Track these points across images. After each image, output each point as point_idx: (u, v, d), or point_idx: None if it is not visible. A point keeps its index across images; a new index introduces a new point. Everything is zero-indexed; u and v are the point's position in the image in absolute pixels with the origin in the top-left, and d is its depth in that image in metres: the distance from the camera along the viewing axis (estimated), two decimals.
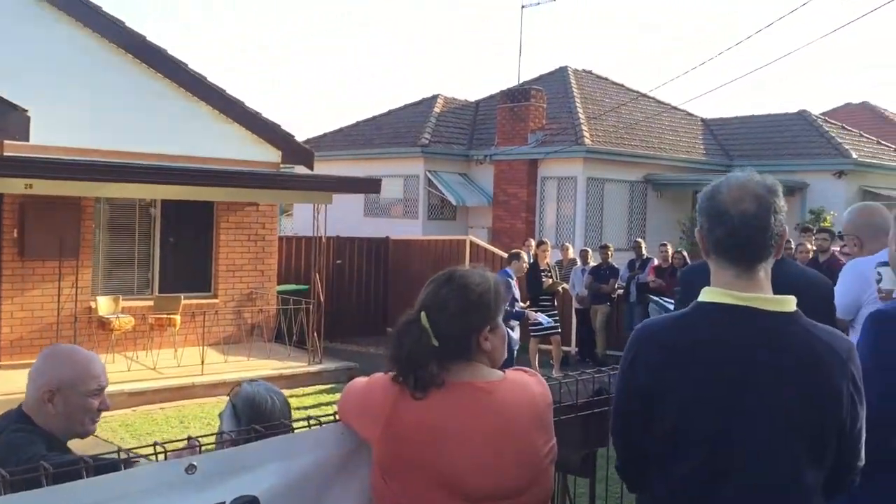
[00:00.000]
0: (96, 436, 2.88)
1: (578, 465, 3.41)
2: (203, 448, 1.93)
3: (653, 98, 20.59)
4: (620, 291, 12.11)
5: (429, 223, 18.42)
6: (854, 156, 18.33)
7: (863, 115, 29.11)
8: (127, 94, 11.59)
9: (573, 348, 12.61)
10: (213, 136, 12.31)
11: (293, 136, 13.29)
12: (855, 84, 65.51)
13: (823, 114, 23.47)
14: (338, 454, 2.02)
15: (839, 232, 6.77)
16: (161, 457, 1.87)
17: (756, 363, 1.81)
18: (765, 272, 1.90)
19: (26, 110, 9.32)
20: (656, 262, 11.78)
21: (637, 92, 21.47)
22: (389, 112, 21.50)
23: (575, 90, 19.60)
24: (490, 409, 1.91)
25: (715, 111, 46.05)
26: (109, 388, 2.64)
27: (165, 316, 11.41)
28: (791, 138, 19.92)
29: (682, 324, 1.93)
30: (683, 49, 75.47)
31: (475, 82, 67.89)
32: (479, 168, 18.73)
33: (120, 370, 10.28)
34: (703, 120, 22.07)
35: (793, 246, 10.09)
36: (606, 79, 22.01)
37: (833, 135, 19.49)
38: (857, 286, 3.44)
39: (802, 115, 20.92)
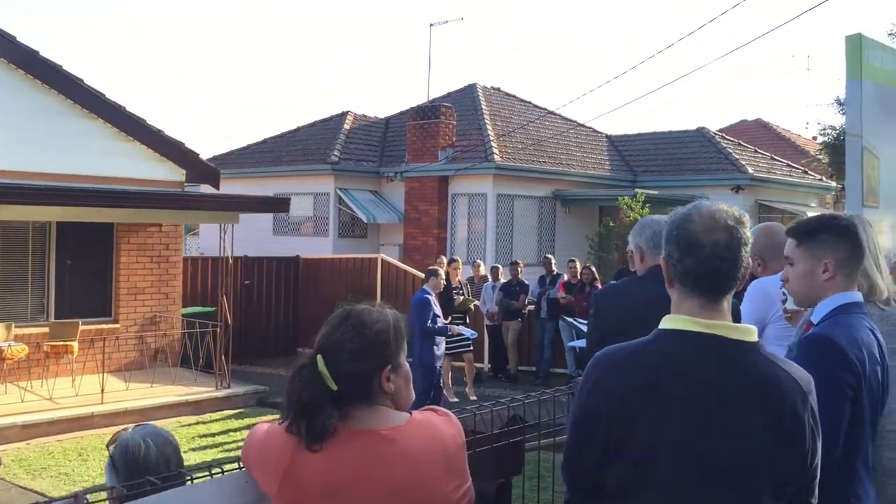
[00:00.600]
0: None
1: (493, 495, 3.38)
2: None
3: (559, 115, 20.96)
4: (531, 307, 12.20)
5: (340, 241, 18.23)
6: (750, 171, 19.06)
7: (757, 131, 30.41)
8: (19, 112, 11.07)
9: (486, 365, 12.63)
10: (112, 154, 11.87)
11: (198, 155, 12.95)
12: (749, 100, 68.40)
13: (720, 130, 24.33)
14: None
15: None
16: None
17: (721, 392, 1.80)
18: (728, 303, 1.90)
19: None
20: (565, 277, 11.92)
21: (545, 109, 21.83)
22: (298, 129, 21.23)
23: (484, 107, 19.78)
24: (393, 460, 1.81)
25: (619, 128, 47.34)
26: (1, 422, 2.43)
27: (62, 343, 10.90)
28: (691, 154, 20.59)
29: (645, 350, 1.89)
30: (589, 67, 77.39)
31: (385, 99, 67.95)
32: (390, 185, 18.66)
33: (13, 402, 9.76)
34: (608, 137, 22.58)
35: None
36: (514, 96, 22.30)
37: (730, 151, 20.24)
38: (761, 305, 3.50)
39: (701, 132, 21.65)
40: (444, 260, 14.56)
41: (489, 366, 12.66)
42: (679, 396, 1.80)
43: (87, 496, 1.83)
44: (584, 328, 3.69)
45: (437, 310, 8.87)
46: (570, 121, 21.59)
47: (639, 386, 1.83)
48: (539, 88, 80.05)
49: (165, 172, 12.42)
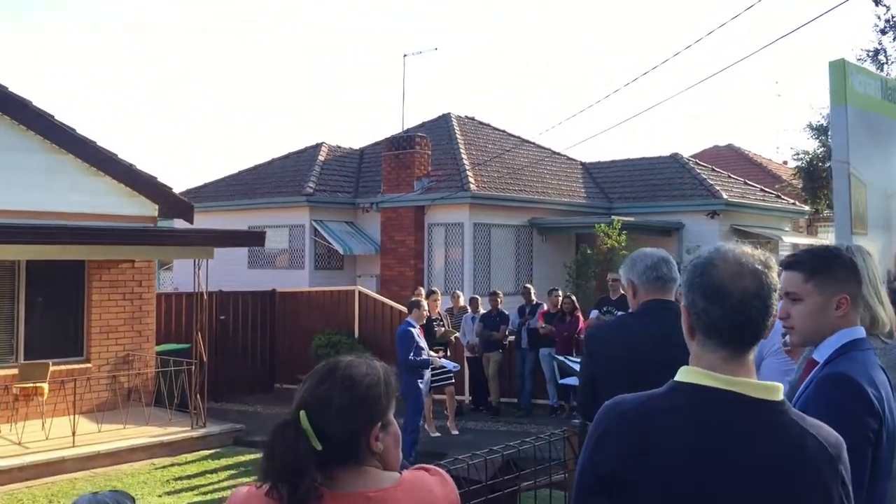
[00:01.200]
0: None
1: None
2: None
3: (534, 143, 21.00)
4: (512, 338, 12.07)
5: (316, 273, 18.02)
6: (725, 196, 19.16)
7: (729, 157, 30.69)
8: None
9: (466, 397, 12.46)
10: (82, 190, 11.65)
11: (170, 189, 12.75)
12: (720, 126, 69.31)
13: (693, 155, 24.53)
14: None
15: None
16: None
17: (737, 456, 1.65)
18: (753, 356, 1.75)
19: None
20: (545, 307, 11.82)
21: (519, 137, 21.88)
22: (273, 161, 21.08)
23: (459, 136, 19.77)
24: None
25: (594, 155, 47.71)
26: None
27: (32, 385, 10.60)
28: (666, 180, 20.68)
29: (657, 406, 1.74)
30: (562, 95, 78.11)
31: (359, 130, 68.00)
32: (366, 216, 18.53)
33: None
34: (582, 164, 22.65)
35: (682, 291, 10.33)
36: (488, 125, 22.34)
37: (704, 176, 20.36)
38: None
39: (675, 158, 21.77)
40: (423, 291, 14.44)
41: (470, 398, 12.48)
42: (689, 459, 1.66)
43: None
44: (576, 366, 3.57)
45: (422, 342, 8.73)
46: (545, 149, 21.64)
47: (645, 444, 1.69)
48: (513, 117, 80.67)
49: (137, 207, 12.21)
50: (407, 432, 8.30)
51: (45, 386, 10.66)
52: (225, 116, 78.31)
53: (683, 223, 19.21)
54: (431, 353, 9.10)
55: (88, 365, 11.73)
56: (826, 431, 1.71)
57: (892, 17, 14.02)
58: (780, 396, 1.71)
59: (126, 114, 76.90)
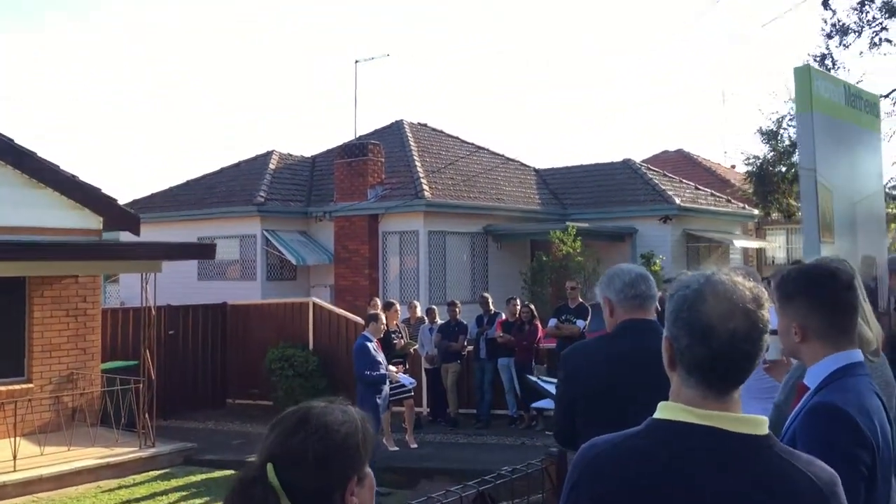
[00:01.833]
0: None
1: None
2: None
3: (488, 150, 20.93)
4: (470, 348, 11.91)
5: (268, 284, 17.67)
6: (677, 201, 19.29)
7: (678, 161, 31.00)
8: None
9: (424, 409, 12.26)
10: (22, 203, 11.18)
11: (115, 200, 12.33)
12: (668, 131, 70.24)
13: (644, 160, 24.68)
14: None
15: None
16: None
17: (717, 496, 1.51)
18: (738, 393, 1.61)
19: None
20: (503, 316, 11.69)
21: (472, 144, 21.80)
22: (222, 170, 20.64)
23: (412, 143, 19.60)
24: None
25: (547, 162, 47.97)
26: None
27: None
28: (619, 186, 20.76)
29: (631, 448, 1.60)
30: (515, 101, 78.40)
31: (310, 138, 67.22)
32: (319, 225, 18.24)
33: None
34: (536, 170, 22.64)
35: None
36: (442, 131, 22.21)
37: (657, 182, 20.49)
38: None
39: (627, 164, 21.89)
40: (378, 302, 14.23)
41: (428, 410, 12.29)
42: (664, 502, 1.53)
43: None
44: (548, 387, 3.41)
45: (380, 356, 8.51)
46: (499, 155, 21.59)
47: (622, 490, 1.56)
48: (466, 124, 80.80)
49: (81, 220, 11.77)
50: None
51: None
52: (170, 125, 77.00)
53: (637, 228, 19.29)
54: (390, 367, 8.89)
55: (30, 385, 11.25)
56: (817, 467, 1.59)
57: (839, 22, 14.21)
58: (765, 430, 1.58)
59: (66, 124, 75.15)
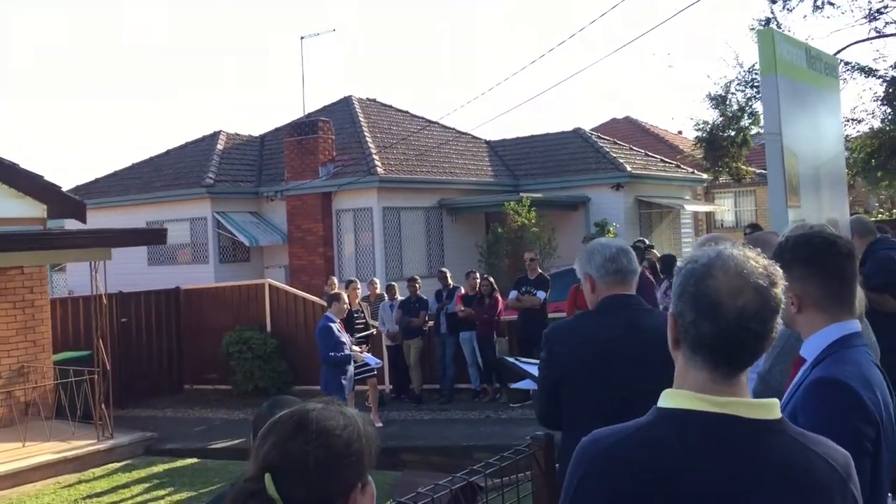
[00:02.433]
0: None
1: None
2: None
3: (439, 124, 20.77)
4: (431, 324, 11.84)
5: (221, 267, 17.36)
6: (628, 169, 19.40)
7: (627, 129, 31.21)
8: None
9: (387, 387, 12.19)
10: None
11: (59, 187, 11.93)
12: (616, 98, 70.69)
13: (593, 129, 24.76)
14: None
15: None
16: None
17: (736, 487, 1.44)
18: (745, 377, 1.54)
19: None
20: (463, 290, 11.63)
21: (423, 118, 21.61)
22: (168, 152, 20.15)
23: (362, 119, 19.36)
24: None
25: (497, 133, 47.90)
26: None
27: None
28: (570, 155, 20.79)
29: (639, 439, 1.52)
30: (464, 74, 78.06)
31: (258, 117, 66.15)
32: (271, 205, 17.95)
33: None
34: (487, 142, 22.56)
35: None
36: (391, 106, 21.99)
37: (608, 150, 20.57)
38: None
39: (578, 133, 21.92)
40: (335, 281, 14.08)
41: (391, 387, 12.22)
42: (681, 497, 1.45)
43: None
44: (530, 369, 3.34)
45: (343, 337, 8.38)
46: (450, 129, 21.45)
47: (635, 485, 1.48)
48: (415, 98, 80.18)
49: (24, 209, 11.37)
50: None
51: None
52: (113, 108, 75.05)
53: (590, 197, 19.36)
54: (354, 348, 8.77)
55: None
56: (832, 449, 1.53)
57: None
58: (777, 413, 1.52)
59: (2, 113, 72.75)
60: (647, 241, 12.65)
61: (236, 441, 10.58)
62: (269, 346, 13.07)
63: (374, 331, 11.06)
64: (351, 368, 8.50)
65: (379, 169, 16.83)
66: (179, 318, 14.41)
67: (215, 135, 20.05)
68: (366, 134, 18.46)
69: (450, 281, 11.88)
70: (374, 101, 21.82)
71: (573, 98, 69.11)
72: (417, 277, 12.28)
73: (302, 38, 20.97)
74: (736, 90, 17.28)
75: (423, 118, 21.66)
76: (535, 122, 67.63)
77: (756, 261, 1.54)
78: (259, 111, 70.50)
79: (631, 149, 22.21)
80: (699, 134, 18.11)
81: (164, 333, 14.24)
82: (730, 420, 1.48)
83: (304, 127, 17.71)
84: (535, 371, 3.29)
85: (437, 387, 11.90)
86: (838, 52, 14.84)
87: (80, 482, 9.41)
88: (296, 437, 1.41)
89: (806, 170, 4.66)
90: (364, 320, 10.27)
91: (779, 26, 15.40)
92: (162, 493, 8.72)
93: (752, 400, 1.52)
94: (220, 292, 14.39)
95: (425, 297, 11.90)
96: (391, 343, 11.82)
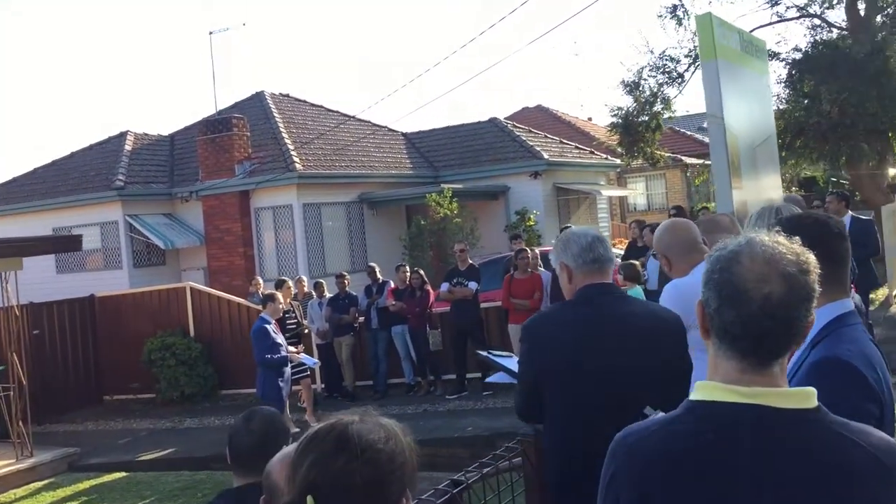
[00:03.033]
0: None
1: None
2: None
3: (355, 118, 20.55)
4: (361, 319, 11.69)
5: (136, 272, 16.75)
6: (546, 157, 19.60)
7: (539, 117, 31.57)
8: None
9: (319, 385, 11.99)
10: None
11: None
12: (527, 88, 71.44)
13: (507, 118, 24.95)
14: None
15: (652, 252, 6.81)
16: None
17: (774, 482, 1.40)
18: (780, 367, 1.49)
19: None
20: (393, 284, 11.52)
21: (338, 112, 21.35)
22: (73, 154, 19.29)
23: (276, 115, 18.97)
24: None
25: (413, 126, 47.70)
26: None
27: None
28: (488, 145, 20.88)
29: (670, 434, 1.48)
30: (375, 68, 77.48)
31: (165, 116, 64.12)
32: (186, 206, 17.41)
33: None
34: (404, 135, 22.46)
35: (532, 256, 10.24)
36: (305, 101, 21.64)
37: (524, 139, 20.74)
38: (681, 308, 3.24)
39: (494, 123, 22.03)
40: (260, 280, 13.78)
41: (322, 386, 12.03)
42: (714, 491, 1.42)
43: None
44: (505, 362, 3.27)
45: (280, 338, 8.17)
46: (366, 122, 21.24)
47: (661, 483, 1.44)
48: (328, 93, 79.13)
49: None
50: None
51: None
52: (7, 110, 71.59)
53: (509, 186, 19.49)
54: (290, 348, 8.57)
55: None
56: (875, 438, 1.47)
57: None
58: (814, 402, 1.47)
59: None
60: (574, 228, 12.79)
61: (166, 451, 10.23)
62: (193, 351, 12.69)
63: (306, 329, 10.85)
64: (288, 370, 8.30)
65: (298, 165, 16.52)
66: (95, 326, 13.83)
67: (122, 135, 19.31)
68: (281, 130, 18.10)
69: (379, 275, 11.76)
70: (288, 96, 21.43)
71: (484, 89, 69.56)
72: (346, 273, 12.10)
73: (211, 32, 20.44)
74: (648, 76, 17.65)
75: (338, 112, 21.41)
76: (450, 114, 67.75)
77: (789, 248, 1.51)
78: (166, 109, 68.46)
79: (546, 137, 22.45)
80: (614, 120, 18.43)
81: (80, 343, 13.65)
82: (763, 411, 1.44)
83: (217, 124, 17.22)
84: (509, 364, 3.24)
85: (370, 383, 11.77)
86: None
87: None
88: (338, 454, 1.32)
89: (744, 151, 4.75)
90: (296, 320, 10.05)
91: (686, 12, 15.79)
92: None
93: (786, 389, 1.48)
94: (138, 298, 13.88)
95: (354, 293, 11.75)
96: (321, 341, 11.62)
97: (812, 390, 1.49)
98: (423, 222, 16.65)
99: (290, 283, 10.32)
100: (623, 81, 17.79)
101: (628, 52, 50.45)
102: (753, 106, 4.99)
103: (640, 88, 17.65)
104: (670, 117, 19.15)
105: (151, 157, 18.80)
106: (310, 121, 19.96)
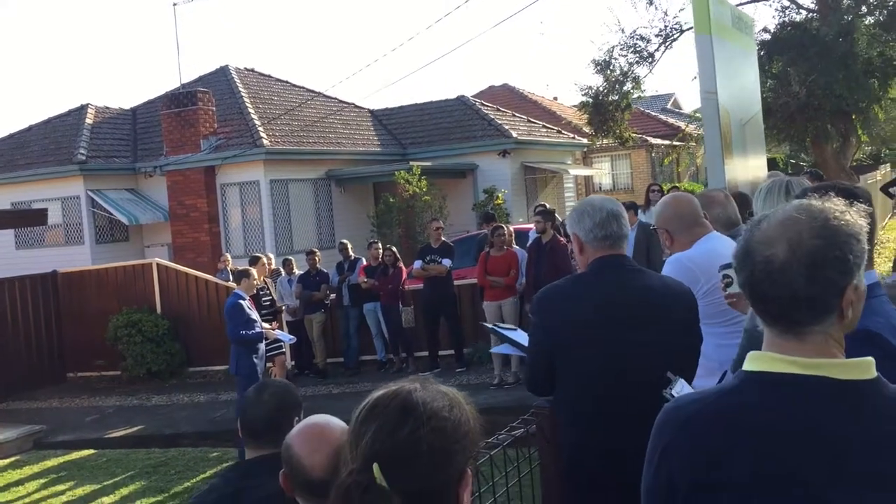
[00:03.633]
0: None
1: None
2: None
3: (322, 94, 20.31)
4: (333, 296, 11.60)
5: (98, 248, 16.44)
6: (514, 135, 19.58)
7: (505, 96, 31.49)
8: None
9: (289, 363, 11.88)
10: None
11: None
12: (493, 66, 71.23)
13: (473, 96, 24.87)
14: None
15: (652, 226, 6.70)
16: None
17: (830, 451, 1.37)
18: (823, 337, 1.43)
19: None
20: (365, 261, 11.43)
21: (304, 88, 21.08)
22: (31, 128, 18.80)
23: (241, 90, 18.67)
24: None
25: (381, 103, 47.33)
26: None
27: None
28: (456, 123, 20.79)
29: (724, 405, 1.44)
30: (343, 44, 76.64)
31: (126, 89, 62.76)
32: (150, 181, 17.08)
33: None
34: (371, 112, 22.25)
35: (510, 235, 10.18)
36: (270, 76, 21.34)
37: (493, 117, 20.69)
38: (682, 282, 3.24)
39: (462, 100, 21.93)
40: (228, 257, 13.60)
41: (293, 363, 11.92)
42: (773, 465, 1.37)
43: None
44: (508, 333, 3.24)
45: (254, 314, 8.05)
46: (333, 98, 21.00)
47: (718, 455, 1.40)
48: (294, 68, 78.09)
49: None
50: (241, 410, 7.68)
51: None
52: None
53: (477, 164, 19.45)
54: (265, 325, 8.45)
55: None
56: None
57: None
58: (873, 373, 1.44)
59: None
60: (548, 206, 12.77)
61: (135, 428, 10.08)
62: (160, 328, 12.48)
63: (282, 307, 10.74)
64: (262, 346, 8.20)
65: (265, 141, 16.29)
66: (59, 303, 13.53)
67: (83, 108, 18.85)
68: (248, 105, 17.83)
69: (351, 253, 11.66)
70: (253, 70, 21.09)
71: (451, 66, 69.23)
72: (316, 250, 11.98)
73: (175, 4, 19.99)
74: (619, 55, 17.69)
75: (304, 88, 21.14)
76: (415, 92, 67.28)
77: (820, 211, 1.43)
78: (127, 83, 67.03)
79: (514, 115, 22.42)
80: (584, 99, 18.44)
81: (43, 320, 13.34)
82: (822, 382, 1.40)
83: (182, 98, 16.88)
84: (515, 336, 3.20)
85: (341, 360, 11.70)
86: None
87: None
88: (403, 422, 1.26)
89: (735, 126, 4.76)
90: (271, 296, 9.93)
91: None
92: (61, 487, 8.19)
93: (845, 360, 1.44)
94: (102, 274, 13.60)
95: (325, 271, 11.64)
96: (291, 318, 11.50)
97: (870, 361, 1.45)
98: (391, 200, 16.55)
99: (265, 259, 10.17)
100: (594, 60, 17.83)
101: (598, 30, 50.52)
102: (745, 83, 5.00)
103: (611, 67, 17.70)
104: (639, 97, 19.22)
105: (113, 131, 18.41)
106: (276, 96, 19.68)
